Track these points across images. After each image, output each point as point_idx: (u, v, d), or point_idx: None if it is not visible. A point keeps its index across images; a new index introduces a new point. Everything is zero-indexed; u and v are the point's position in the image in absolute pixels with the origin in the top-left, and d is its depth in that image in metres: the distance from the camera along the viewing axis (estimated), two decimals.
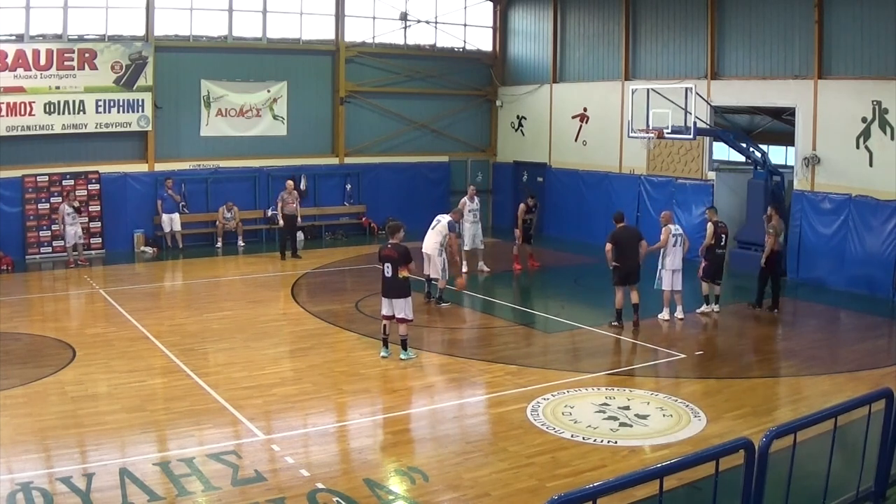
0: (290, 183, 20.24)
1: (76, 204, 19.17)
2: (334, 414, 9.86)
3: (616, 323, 13.67)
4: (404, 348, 11.60)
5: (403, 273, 11.40)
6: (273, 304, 15.29)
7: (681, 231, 14.28)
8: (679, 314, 14.17)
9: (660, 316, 14.21)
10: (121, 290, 16.36)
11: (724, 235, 14.70)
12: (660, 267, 14.14)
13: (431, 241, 15.03)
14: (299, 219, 20.36)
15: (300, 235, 22.87)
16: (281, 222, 19.82)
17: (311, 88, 23.36)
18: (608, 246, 13.64)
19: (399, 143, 24.85)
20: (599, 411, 9.58)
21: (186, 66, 21.36)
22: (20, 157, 19.34)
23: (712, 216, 15.01)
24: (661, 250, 14.07)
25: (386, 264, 11.53)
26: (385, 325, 11.78)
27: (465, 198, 18.47)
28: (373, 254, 20.89)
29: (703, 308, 14.70)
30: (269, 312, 14.63)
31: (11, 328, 13.20)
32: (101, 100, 20.05)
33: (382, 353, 11.74)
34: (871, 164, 16.28)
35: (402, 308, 11.47)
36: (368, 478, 7.72)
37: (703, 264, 14.73)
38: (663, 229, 14.17)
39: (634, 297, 13.64)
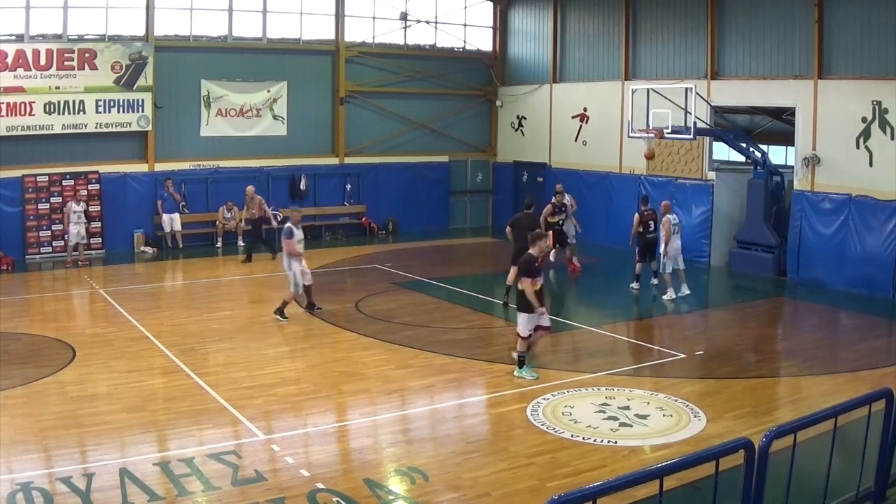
0: (249, 189, 20.11)
1: (83, 206, 19.11)
2: (334, 414, 9.86)
3: (505, 299, 14.79)
4: (519, 366, 10.88)
5: (522, 285, 10.70)
6: (273, 304, 15.23)
7: (677, 220, 15.81)
8: (684, 291, 15.53)
9: (665, 297, 15.38)
10: (121, 290, 16.36)
11: (651, 222, 16.22)
12: (662, 253, 15.20)
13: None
14: (273, 221, 19.95)
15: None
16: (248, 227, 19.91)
17: (311, 88, 23.36)
18: (507, 228, 14.91)
19: (399, 143, 24.86)
20: (599, 411, 9.58)
21: (186, 66, 21.37)
22: (20, 157, 19.35)
23: (643, 205, 16.79)
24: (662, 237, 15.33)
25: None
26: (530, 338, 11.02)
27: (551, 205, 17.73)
28: (372, 254, 21.07)
29: (634, 285, 16.28)
30: (269, 312, 14.61)
31: (11, 328, 13.20)
32: (101, 100, 20.05)
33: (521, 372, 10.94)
34: (871, 164, 16.26)
35: (517, 321, 10.87)
36: (368, 478, 7.72)
37: (636, 248, 16.41)
38: (664, 220, 15.34)
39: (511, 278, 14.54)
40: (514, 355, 11.01)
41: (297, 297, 14.10)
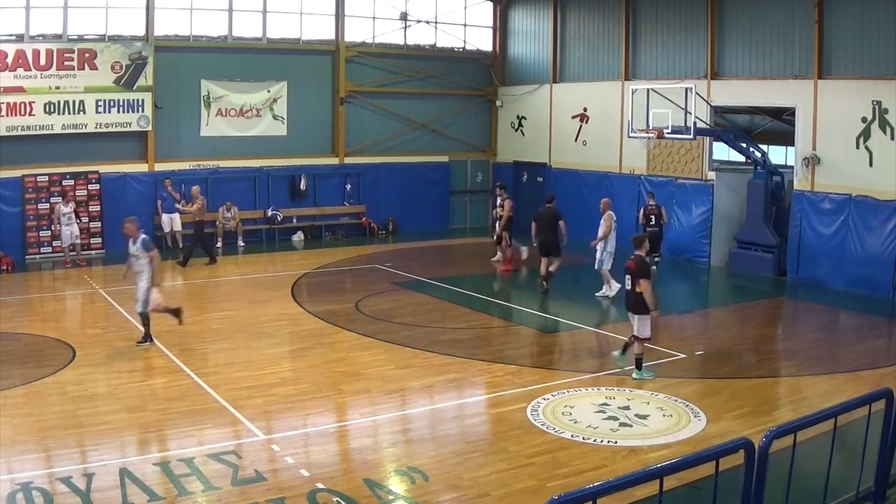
0: (195, 189, 19.60)
1: (72, 206, 19.08)
2: (334, 414, 9.86)
3: (544, 288, 15.88)
4: (638, 367, 10.86)
5: (641, 288, 10.64)
6: (273, 304, 15.28)
7: (614, 217, 15.91)
8: (608, 291, 15.62)
9: (600, 294, 15.61)
10: (121, 290, 16.29)
11: (653, 216, 17.80)
12: (602, 249, 15.41)
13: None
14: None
15: (299, 235, 22.91)
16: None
17: (311, 88, 23.36)
18: (532, 224, 16.24)
19: (399, 143, 24.86)
20: (599, 411, 9.59)
21: (186, 66, 21.37)
22: (20, 157, 19.35)
23: (650, 200, 18.07)
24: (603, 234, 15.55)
25: (626, 276, 10.93)
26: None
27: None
28: (372, 254, 21.09)
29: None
30: (269, 312, 14.63)
31: (11, 328, 13.20)
32: (101, 100, 20.05)
33: (615, 353, 11.22)
34: (871, 164, 16.27)
35: (636, 324, 10.83)
36: (368, 478, 7.72)
37: None
38: (606, 216, 15.48)
39: (552, 266, 15.95)
40: (616, 357, 11.26)
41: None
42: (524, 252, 18.56)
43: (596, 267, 15.75)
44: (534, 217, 16.40)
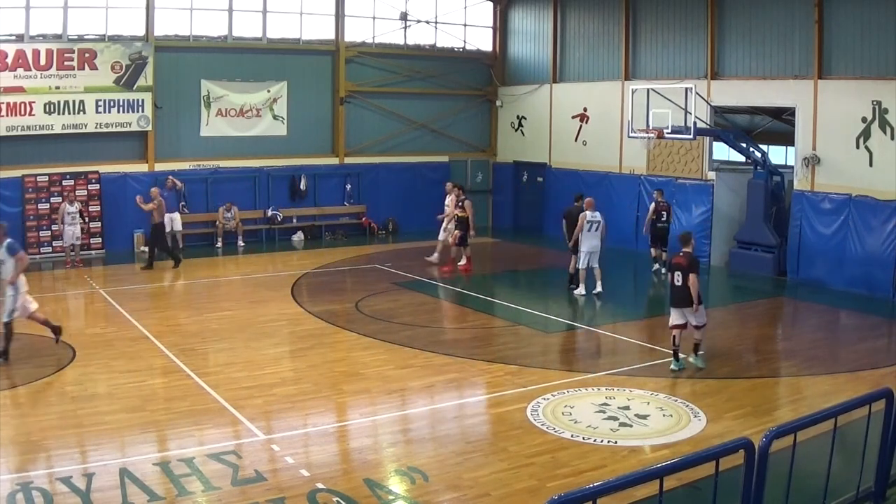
0: (154, 190, 18.77)
1: (77, 206, 19.07)
2: (334, 414, 9.86)
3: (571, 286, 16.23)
4: (695, 352, 11.20)
5: (693, 282, 10.85)
6: (273, 304, 15.28)
7: (598, 218, 15.67)
8: (597, 288, 15.74)
9: (576, 291, 15.87)
10: (121, 290, 16.36)
11: (664, 212, 18.02)
12: (579, 248, 15.78)
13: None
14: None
15: (299, 235, 22.90)
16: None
17: (311, 88, 23.37)
18: (563, 221, 16.70)
19: (399, 143, 24.86)
20: (599, 411, 9.58)
21: (186, 66, 21.37)
22: (20, 157, 19.35)
23: (658, 196, 18.38)
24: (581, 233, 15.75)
25: (676, 273, 11.00)
26: (675, 336, 11.16)
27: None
28: (372, 254, 21.08)
29: (655, 267, 18.06)
30: (269, 312, 14.62)
31: None
32: (101, 100, 20.05)
33: (673, 366, 11.12)
34: (871, 164, 16.27)
35: (695, 316, 11.03)
36: (368, 478, 7.72)
37: (650, 236, 18.27)
38: (580, 216, 15.75)
39: (572, 266, 16.22)
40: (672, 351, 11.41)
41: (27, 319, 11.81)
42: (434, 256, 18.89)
43: (578, 265, 15.89)
44: (563, 214, 16.86)
